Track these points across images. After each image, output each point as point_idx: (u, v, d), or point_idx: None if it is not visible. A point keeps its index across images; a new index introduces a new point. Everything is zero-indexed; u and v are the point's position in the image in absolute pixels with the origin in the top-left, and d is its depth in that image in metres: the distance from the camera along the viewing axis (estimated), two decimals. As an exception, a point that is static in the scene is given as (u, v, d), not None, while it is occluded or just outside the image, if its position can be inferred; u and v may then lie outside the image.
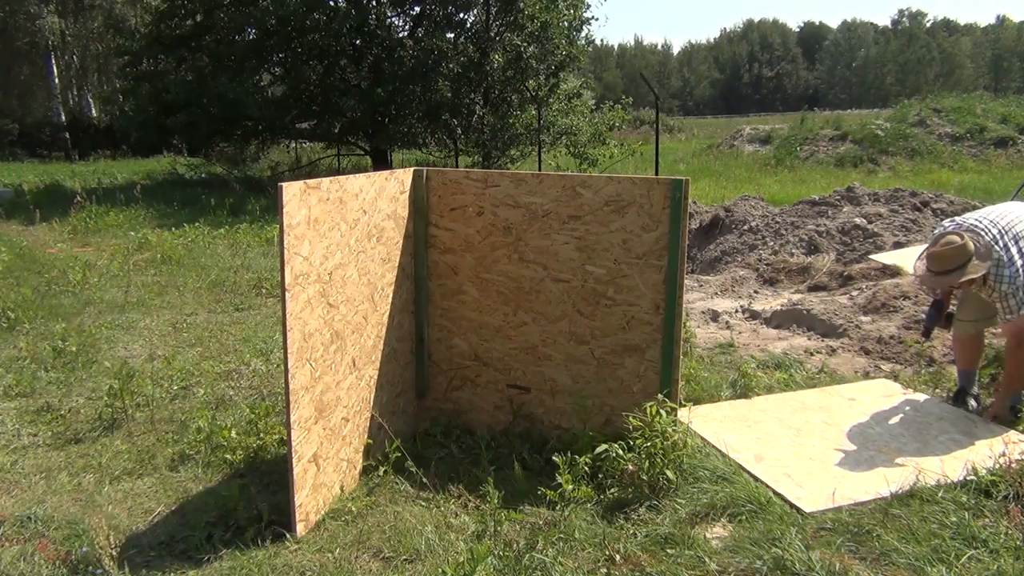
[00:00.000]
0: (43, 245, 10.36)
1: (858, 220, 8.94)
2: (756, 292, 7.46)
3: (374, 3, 17.64)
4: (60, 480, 3.69)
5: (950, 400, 4.35)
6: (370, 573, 2.90)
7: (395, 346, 3.94)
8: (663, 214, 3.72)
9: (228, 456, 3.81)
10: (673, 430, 3.49)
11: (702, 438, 3.96)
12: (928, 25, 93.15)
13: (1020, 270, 3.85)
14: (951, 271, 3.83)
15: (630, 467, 3.45)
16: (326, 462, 3.29)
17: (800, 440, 3.96)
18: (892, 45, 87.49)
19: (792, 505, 3.27)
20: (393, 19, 18.47)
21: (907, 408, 4.32)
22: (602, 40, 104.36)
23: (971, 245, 3.81)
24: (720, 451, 3.80)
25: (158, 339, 6.04)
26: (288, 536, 3.07)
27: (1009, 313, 3.88)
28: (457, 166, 16.81)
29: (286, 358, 2.96)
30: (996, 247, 3.85)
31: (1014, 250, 3.87)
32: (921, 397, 4.48)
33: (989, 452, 3.57)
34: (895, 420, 4.17)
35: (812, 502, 3.29)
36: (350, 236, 3.41)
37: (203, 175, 19.57)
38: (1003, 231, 3.91)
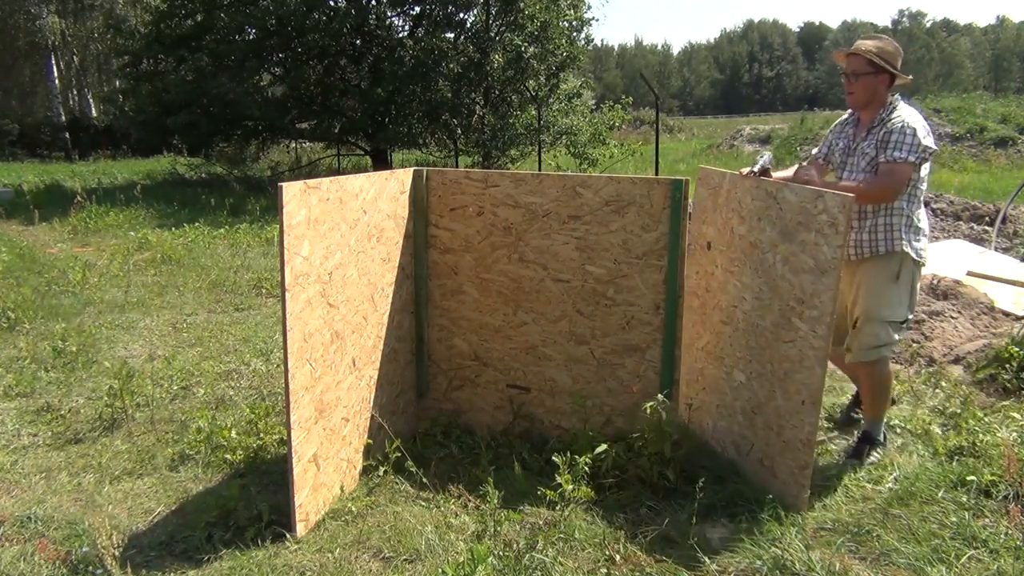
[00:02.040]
0: (43, 245, 10.36)
1: (858, 220, 8.92)
2: (756, 292, 7.45)
3: (374, 3, 17.63)
4: (60, 480, 3.69)
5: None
6: (370, 573, 2.90)
7: (395, 346, 3.94)
8: (663, 214, 3.72)
9: (228, 456, 3.81)
10: (673, 430, 3.49)
11: (699, 436, 3.96)
12: (928, 25, 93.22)
13: (916, 129, 3.45)
14: (872, 57, 3.54)
15: (630, 467, 3.46)
16: (326, 462, 3.29)
17: (731, 380, 3.72)
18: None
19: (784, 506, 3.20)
20: (393, 19, 18.46)
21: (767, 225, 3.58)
22: (602, 40, 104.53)
23: (899, 64, 3.59)
24: (716, 450, 3.80)
25: (158, 339, 6.04)
26: (288, 536, 3.07)
27: (889, 149, 3.44)
28: (457, 166, 16.81)
29: (286, 358, 2.96)
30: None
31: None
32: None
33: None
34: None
35: (793, 496, 3.22)
36: (350, 236, 3.41)
37: (203, 175, 19.57)
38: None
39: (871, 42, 3.65)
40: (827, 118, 23.35)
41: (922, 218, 3.63)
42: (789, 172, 3.94)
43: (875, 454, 3.71)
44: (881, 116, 3.59)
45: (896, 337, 3.63)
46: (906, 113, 3.54)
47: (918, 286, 3.72)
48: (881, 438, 3.77)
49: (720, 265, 3.87)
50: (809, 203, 3.22)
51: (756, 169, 3.70)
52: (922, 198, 3.64)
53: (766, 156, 3.82)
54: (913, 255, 3.57)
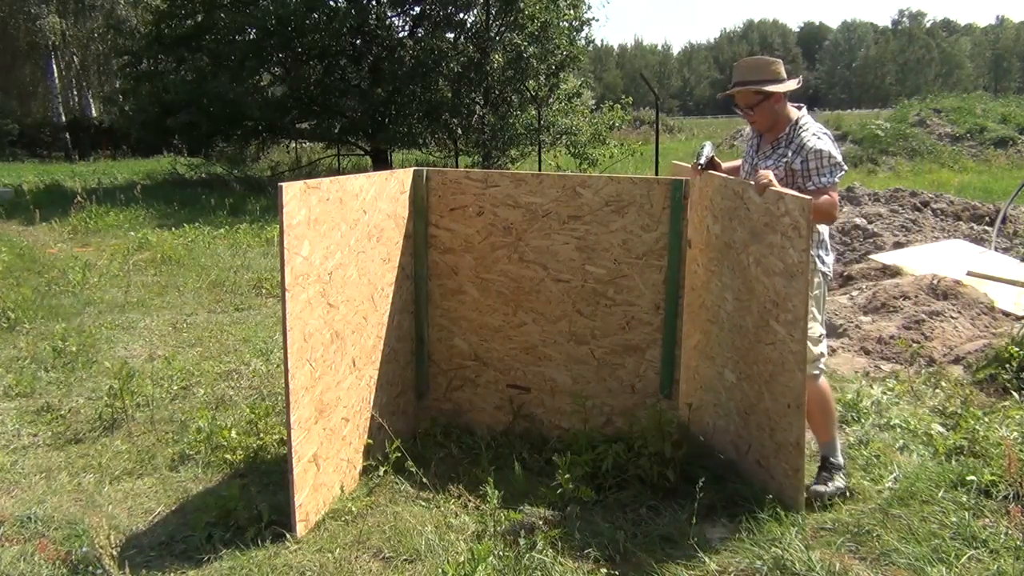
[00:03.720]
0: (43, 245, 10.36)
1: (858, 220, 8.94)
2: (756, 292, 7.45)
3: (374, 3, 17.63)
4: (60, 480, 3.69)
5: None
6: (370, 573, 2.90)
7: (395, 346, 3.94)
8: (663, 214, 3.72)
9: (228, 456, 3.81)
10: (673, 430, 3.49)
11: (699, 436, 3.95)
12: (928, 25, 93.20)
13: (830, 150, 3.40)
14: (753, 82, 3.46)
15: (630, 467, 3.46)
16: (326, 462, 3.29)
17: (723, 379, 3.70)
18: (892, 45, 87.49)
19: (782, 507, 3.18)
20: (393, 19, 18.46)
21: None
22: (602, 40, 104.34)
23: (783, 71, 3.49)
24: (716, 450, 3.80)
25: (158, 339, 6.04)
26: (288, 536, 3.07)
27: (814, 176, 3.38)
28: (457, 166, 16.81)
29: (286, 358, 2.96)
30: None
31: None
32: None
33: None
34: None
35: (791, 498, 3.21)
36: (350, 236, 3.41)
37: (203, 175, 19.56)
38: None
39: (745, 73, 3.53)
40: (827, 118, 23.37)
41: (825, 231, 3.55)
42: (736, 164, 3.90)
43: (838, 479, 3.41)
44: (787, 135, 3.49)
45: (816, 351, 3.42)
46: (814, 134, 3.44)
47: (825, 302, 3.62)
48: (839, 460, 3.48)
49: (701, 264, 3.85)
50: (772, 205, 3.20)
51: (702, 163, 3.61)
52: None
53: (707, 146, 3.69)
54: (824, 268, 3.50)
